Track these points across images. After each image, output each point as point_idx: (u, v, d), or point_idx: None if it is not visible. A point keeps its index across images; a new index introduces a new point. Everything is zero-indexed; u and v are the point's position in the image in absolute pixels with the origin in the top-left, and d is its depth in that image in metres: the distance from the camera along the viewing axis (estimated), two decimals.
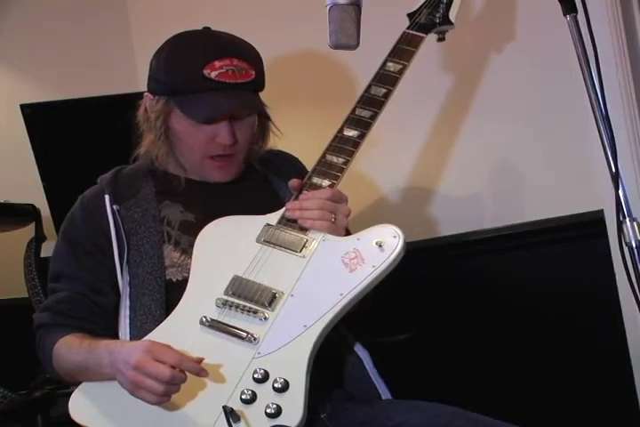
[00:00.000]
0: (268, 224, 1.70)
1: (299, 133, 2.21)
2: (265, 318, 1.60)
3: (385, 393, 1.75)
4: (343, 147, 1.74)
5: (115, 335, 1.73)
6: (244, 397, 1.52)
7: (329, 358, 1.65)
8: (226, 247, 1.71)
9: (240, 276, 1.65)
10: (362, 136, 1.75)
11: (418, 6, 1.95)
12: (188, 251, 1.75)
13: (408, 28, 1.90)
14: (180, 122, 1.80)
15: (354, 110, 1.78)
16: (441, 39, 2.00)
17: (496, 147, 2.53)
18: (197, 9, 2.81)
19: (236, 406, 1.51)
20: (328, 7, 1.63)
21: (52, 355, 1.70)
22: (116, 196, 1.81)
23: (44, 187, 2.48)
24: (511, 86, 2.48)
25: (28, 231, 2.48)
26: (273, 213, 1.72)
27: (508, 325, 2.44)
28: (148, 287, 1.73)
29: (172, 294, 1.72)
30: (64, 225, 1.86)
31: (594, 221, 2.30)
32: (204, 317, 1.61)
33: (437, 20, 1.93)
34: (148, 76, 1.86)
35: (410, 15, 1.93)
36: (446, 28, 1.97)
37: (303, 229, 1.67)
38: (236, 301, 1.62)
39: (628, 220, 1.50)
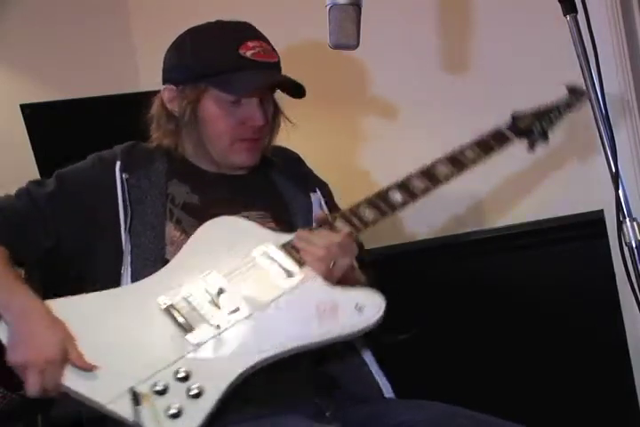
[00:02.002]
0: (274, 243, 1.67)
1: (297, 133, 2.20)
2: (218, 326, 1.59)
3: (388, 392, 1.76)
4: (380, 206, 1.74)
5: None
6: (157, 387, 1.51)
7: (334, 358, 1.65)
8: (223, 245, 1.69)
9: (220, 277, 1.64)
10: (404, 204, 1.75)
11: (526, 111, 1.93)
12: (188, 232, 1.74)
13: (507, 126, 1.90)
14: (210, 106, 1.78)
15: (409, 178, 1.77)
16: (530, 149, 1.95)
17: None
18: (198, 9, 2.81)
19: (145, 390, 1.51)
20: (328, 7, 1.62)
21: None
22: (127, 164, 1.80)
23: None
24: (511, 86, 2.48)
25: None
26: (284, 234, 1.70)
27: (509, 324, 2.44)
28: (150, 258, 1.71)
29: None
30: (64, 170, 1.83)
31: (594, 221, 2.30)
32: (165, 298, 1.61)
33: (536, 132, 1.92)
34: (167, 69, 1.84)
35: (514, 116, 1.92)
36: (541, 142, 1.94)
37: (300, 262, 1.65)
38: (203, 300, 1.61)
39: (627, 220, 1.50)
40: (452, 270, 2.54)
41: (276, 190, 1.89)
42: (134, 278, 1.70)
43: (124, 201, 1.75)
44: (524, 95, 2.47)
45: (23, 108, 2.46)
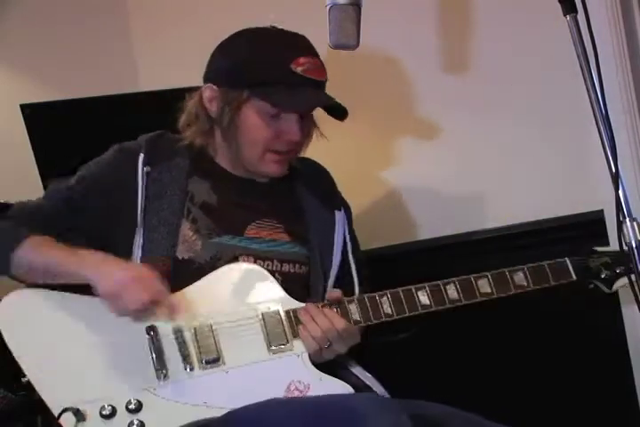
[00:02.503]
0: (282, 307, 1.66)
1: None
2: (191, 369, 1.58)
3: (380, 391, 1.76)
4: (403, 303, 1.71)
5: None
6: (103, 412, 1.52)
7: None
8: (237, 293, 1.68)
9: (216, 324, 1.63)
10: (429, 307, 1.72)
11: (605, 249, 1.87)
12: (201, 232, 1.74)
13: (571, 258, 1.83)
14: (251, 115, 1.77)
15: (446, 287, 1.75)
16: (589, 287, 1.85)
17: (496, 147, 2.53)
18: (197, 9, 2.81)
19: (92, 411, 1.51)
20: (328, 7, 1.62)
21: (19, 244, 1.68)
22: (150, 156, 1.79)
23: (43, 187, 2.47)
24: (511, 86, 2.48)
25: None
26: (294, 301, 1.69)
27: (508, 324, 2.44)
28: (159, 254, 1.71)
29: (176, 270, 1.71)
30: (85, 167, 1.83)
31: (594, 221, 2.30)
32: (154, 326, 1.60)
33: (603, 276, 1.83)
34: (213, 69, 1.82)
35: (590, 251, 1.86)
36: (602, 288, 1.84)
37: (295, 334, 1.65)
38: (188, 339, 1.61)
39: (627, 220, 1.49)
40: (453, 270, 2.53)
41: (296, 202, 1.88)
42: None
43: (142, 195, 1.74)
44: (524, 95, 2.48)
45: (23, 108, 2.46)
